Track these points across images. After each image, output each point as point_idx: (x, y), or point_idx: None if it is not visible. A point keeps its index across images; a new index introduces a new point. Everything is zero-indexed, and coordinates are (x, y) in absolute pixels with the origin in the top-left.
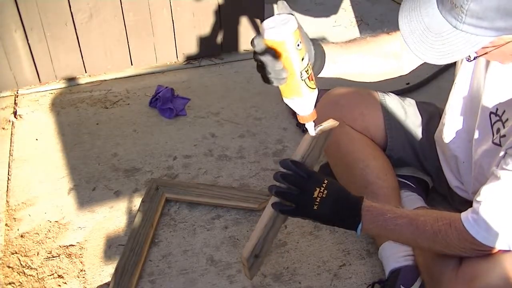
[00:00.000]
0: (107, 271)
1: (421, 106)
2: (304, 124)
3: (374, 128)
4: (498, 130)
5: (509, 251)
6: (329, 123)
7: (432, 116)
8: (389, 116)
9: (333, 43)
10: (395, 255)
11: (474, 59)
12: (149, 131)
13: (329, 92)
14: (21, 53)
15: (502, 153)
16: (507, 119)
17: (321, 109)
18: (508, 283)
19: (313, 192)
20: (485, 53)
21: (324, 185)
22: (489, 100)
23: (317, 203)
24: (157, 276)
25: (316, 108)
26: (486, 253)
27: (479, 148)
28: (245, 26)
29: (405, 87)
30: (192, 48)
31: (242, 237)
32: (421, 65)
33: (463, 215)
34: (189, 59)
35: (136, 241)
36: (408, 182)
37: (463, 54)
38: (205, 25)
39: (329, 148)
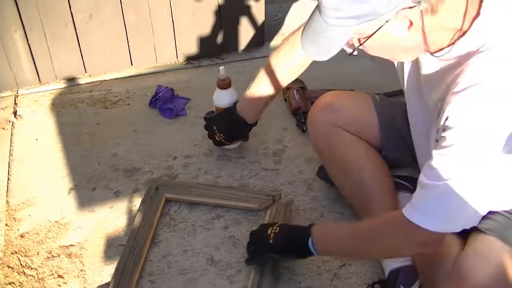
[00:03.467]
0: (107, 271)
1: None
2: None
3: (369, 130)
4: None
5: (497, 244)
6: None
7: None
8: (383, 118)
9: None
10: None
11: (355, 52)
12: (149, 131)
13: (322, 96)
14: (21, 53)
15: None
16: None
17: (315, 113)
18: (499, 282)
19: (267, 230)
20: (362, 45)
21: (276, 225)
22: (431, 102)
23: (271, 238)
24: (157, 276)
25: (310, 111)
26: (434, 243)
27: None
28: (245, 26)
29: (399, 89)
30: (192, 48)
31: (242, 237)
32: None
33: (404, 208)
34: (189, 59)
35: (136, 241)
36: (405, 183)
37: (338, 46)
38: (205, 25)
39: (324, 151)
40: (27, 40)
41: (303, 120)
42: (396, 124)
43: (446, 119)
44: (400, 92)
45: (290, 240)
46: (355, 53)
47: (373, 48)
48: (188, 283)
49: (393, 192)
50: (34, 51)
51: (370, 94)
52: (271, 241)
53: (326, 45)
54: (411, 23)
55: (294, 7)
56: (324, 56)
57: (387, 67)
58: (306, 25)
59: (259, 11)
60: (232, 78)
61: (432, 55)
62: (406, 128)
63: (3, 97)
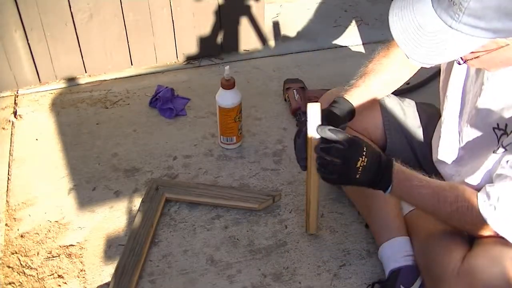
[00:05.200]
0: (107, 271)
1: (420, 107)
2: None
3: (373, 128)
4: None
5: (507, 244)
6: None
7: (432, 117)
8: (388, 117)
9: (355, 87)
10: (395, 255)
11: (464, 62)
12: (149, 131)
13: (327, 93)
14: (21, 53)
15: (502, 151)
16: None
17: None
18: (509, 280)
19: (356, 162)
20: (476, 57)
21: (364, 153)
22: (490, 114)
23: (359, 172)
24: (157, 276)
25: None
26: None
27: (476, 161)
28: (245, 26)
29: (405, 87)
30: (192, 48)
31: (242, 237)
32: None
33: (481, 202)
34: (189, 59)
35: (136, 241)
36: None
37: (454, 55)
38: (205, 25)
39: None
40: (27, 40)
41: (303, 120)
42: (401, 124)
43: None
44: (407, 91)
45: (374, 179)
46: (461, 63)
47: (482, 61)
48: (188, 283)
49: None
50: (34, 51)
51: None
52: (357, 176)
53: (439, 50)
54: None
55: (295, 7)
56: (429, 60)
57: None
58: (400, 16)
59: (259, 11)
60: None
61: None
62: (411, 128)
63: (3, 97)
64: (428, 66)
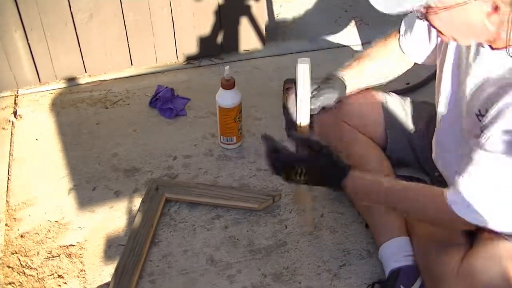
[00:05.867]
0: (107, 271)
1: (421, 107)
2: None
3: (374, 128)
4: None
5: (506, 245)
6: None
7: (433, 117)
8: (389, 116)
9: (349, 67)
10: (395, 255)
11: (426, 20)
12: (149, 131)
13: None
14: (21, 53)
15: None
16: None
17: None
18: (508, 280)
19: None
20: (435, 13)
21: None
22: (473, 101)
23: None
24: (157, 276)
25: None
26: (462, 226)
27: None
28: (245, 26)
29: (405, 87)
30: (192, 48)
31: (242, 237)
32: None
33: (447, 193)
34: (189, 59)
35: (136, 241)
36: None
37: (412, 3)
38: (205, 25)
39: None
40: (27, 40)
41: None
42: (403, 124)
43: (498, 113)
44: (407, 91)
45: (326, 177)
46: (423, 19)
47: (442, 20)
48: (188, 283)
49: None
50: (34, 51)
51: (379, 92)
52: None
53: None
54: (494, 10)
55: (295, 7)
56: (392, 8)
57: None
58: None
59: (259, 11)
60: None
61: (492, 49)
62: (412, 128)
63: (3, 97)
64: (392, 13)
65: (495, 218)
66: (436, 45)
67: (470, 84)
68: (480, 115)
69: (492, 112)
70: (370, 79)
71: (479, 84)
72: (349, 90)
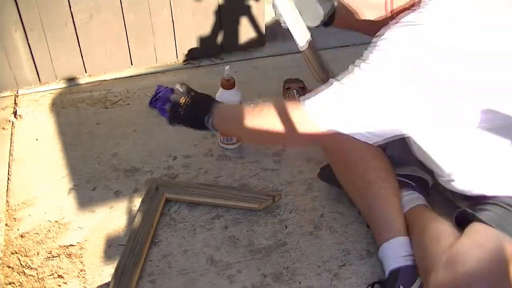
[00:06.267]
0: (107, 271)
1: None
2: None
3: None
4: None
5: (490, 232)
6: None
7: None
8: None
9: None
10: (395, 255)
11: None
12: (149, 131)
13: None
14: (21, 53)
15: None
16: None
17: None
18: (489, 267)
19: (180, 100)
20: None
21: (190, 94)
22: None
23: (182, 108)
24: (157, 276)
25: None
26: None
27: None
28: (245, 26)
29: None
30: (192, 48)
31: (242, 237)
32: None
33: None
34: (189, 59)
35: (136, 241)
36: (408, 181)
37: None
38: (205, 25)
39: (329, 147)
40: (27, 40)
41: None
42: None
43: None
44: None
45: (193, 116)
46: None
47: None
48: (188, 283)
49: (397, 190)
50: (34, 51)
51: None
52: (181, 112)
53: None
54: None
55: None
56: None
57: None
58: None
59: (259, 11)
60: None
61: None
62: None
63: (3, 97)
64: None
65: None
66: None
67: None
68: None
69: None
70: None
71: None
72: (338, 20)
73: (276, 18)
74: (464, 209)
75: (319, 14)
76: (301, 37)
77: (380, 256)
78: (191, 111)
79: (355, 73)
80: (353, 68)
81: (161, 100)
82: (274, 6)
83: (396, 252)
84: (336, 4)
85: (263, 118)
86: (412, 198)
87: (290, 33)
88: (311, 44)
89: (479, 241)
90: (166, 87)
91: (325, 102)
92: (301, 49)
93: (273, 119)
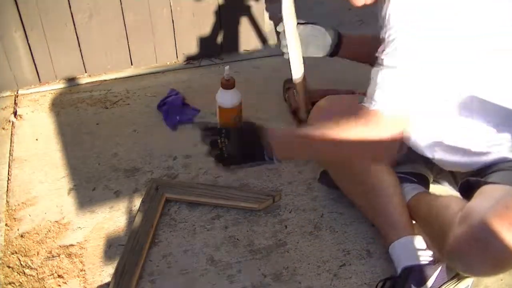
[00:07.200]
0: (107, 271)
1: None
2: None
3: None
4: None
5: (500, 187)
6: None
7: None
8: None
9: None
10: (408, 253)
11: None
12: (149, 131)
13: (321, 100)
14: (21, 53)
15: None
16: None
17: (315, 115)
18: (501, 215)
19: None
20: None
21: (223, 134)
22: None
23: (224, 151)
24: (157, 276)
25: (311, 114)
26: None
27: None
28: (245, 26)
29: None
30: (192, 48)
31: (242, 237)
32: None
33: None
34: (189, 59)
35: (136, 241)
36: (408, 177)
37: None
38: (205, 25)
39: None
40: (27, 40)
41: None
42: None
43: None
44: None
45: (245, 156)
46: None
47: None
48: (188, 283)
49: (399, 189)
50: (34, 51)
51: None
52: (227, 157)
53: None
54: None
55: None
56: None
57: None
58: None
59: (259, 11)
60: None
61: None
62: None
63: (3, 97)
64: None
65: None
66: None
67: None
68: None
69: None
70: (368, 50)
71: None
72: (343, 51)
73: (280, 47)
74: (467, 179)
75: (327, 44)
76: (298, 70)
77: (391, 254)
78: (238, 152)
79: (392, 51)
80: (385, 49)
81: (168, 107)
82: (279, 38)
83: (409, 250)
84: (341, 34)
85: (339, 134)
86: (413, 188)
87: (289, 64)
88: (304, 78)
89: (489, 195)
90: (177, 93)
91: (387, 90)
92: (294, 81)
93: (347, 133)
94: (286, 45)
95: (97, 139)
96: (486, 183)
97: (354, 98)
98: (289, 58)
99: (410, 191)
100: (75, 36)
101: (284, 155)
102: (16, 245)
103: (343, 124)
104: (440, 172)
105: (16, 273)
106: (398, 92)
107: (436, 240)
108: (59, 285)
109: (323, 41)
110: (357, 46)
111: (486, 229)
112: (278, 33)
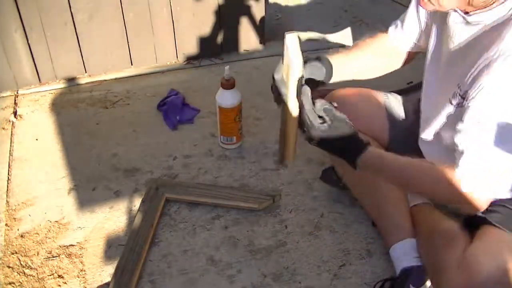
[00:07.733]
0: (107, 271)
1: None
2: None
3: (378, 128)
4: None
5: (507, 238)
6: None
7: None
8: (392, 117)
9: (337, 53)
10: (407, 255)
11: None
12: (149, 131)
13: (332, 93)
14: (21, 53)
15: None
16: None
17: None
18: (507, 272)
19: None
20: None
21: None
22: (452, 77)
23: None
24: (157, 276)
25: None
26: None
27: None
28: (245, 26)
29: (406, 87)
30: (192, 48)
31: (242, 237)
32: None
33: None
34: (189, 59)
35: (136, 241)
36: None
37: None
38: (205, 25)
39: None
40: (27, 40)
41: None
42: (403, 117)
43: (480, 86)
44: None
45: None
46: None
47: None
48: (188, 283)
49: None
50: (34, 51)
51: (381, 92)
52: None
53: None
54: None
55: (295, 7)
56: None
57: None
58: None
59: (259, 11)
60: None
61: (466, 15)
62: (412, 118)
63: (3, 97)
64: None
65: (498, 185)
66: (423, 29)
67: (450, 59)
68: (461, 84)
69: (476, 85)
70: (357, 70)
71: (457, 59)
72: (335, 77)
73: (274, 98)
74: (475, 215)
75: (322, 78)
76: (291, 87)
77: (392, 255)
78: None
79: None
80: (472, 125)
81: (168, 107)
82: (276, 84)
83: (408, 252)
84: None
85: (416, 179)
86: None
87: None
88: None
89: (493, 247)
90: (177, 94)
91: (475, 172)
92: (287, 127)
93: (427, 185)
94: (286, 94)
95: (97, 139)
96: (490, 222)
97: (371, 93)
98: (284, 99)
99: (413, 197)
100: (75, 36)
101: (367, 171)
102: (16, 245)
103: (427, 174)
104: None
105: (16, 273)
106: (485, 156)
107: (432, 269)
108: (59, 285)
109: (319, 77)
110: (347, 66)
111: None
112: (273, 78)
